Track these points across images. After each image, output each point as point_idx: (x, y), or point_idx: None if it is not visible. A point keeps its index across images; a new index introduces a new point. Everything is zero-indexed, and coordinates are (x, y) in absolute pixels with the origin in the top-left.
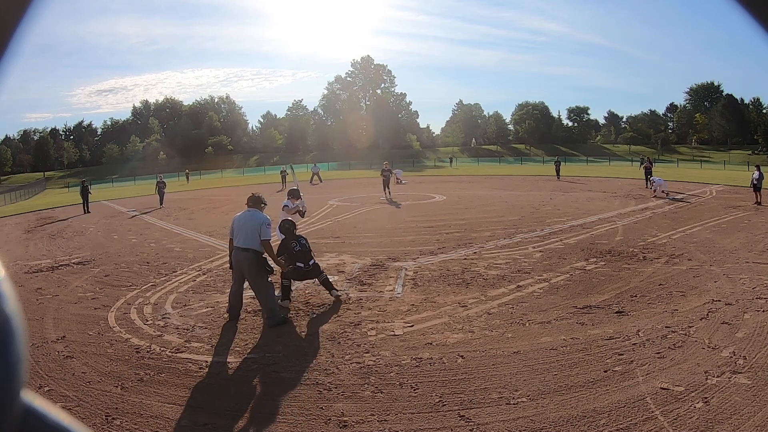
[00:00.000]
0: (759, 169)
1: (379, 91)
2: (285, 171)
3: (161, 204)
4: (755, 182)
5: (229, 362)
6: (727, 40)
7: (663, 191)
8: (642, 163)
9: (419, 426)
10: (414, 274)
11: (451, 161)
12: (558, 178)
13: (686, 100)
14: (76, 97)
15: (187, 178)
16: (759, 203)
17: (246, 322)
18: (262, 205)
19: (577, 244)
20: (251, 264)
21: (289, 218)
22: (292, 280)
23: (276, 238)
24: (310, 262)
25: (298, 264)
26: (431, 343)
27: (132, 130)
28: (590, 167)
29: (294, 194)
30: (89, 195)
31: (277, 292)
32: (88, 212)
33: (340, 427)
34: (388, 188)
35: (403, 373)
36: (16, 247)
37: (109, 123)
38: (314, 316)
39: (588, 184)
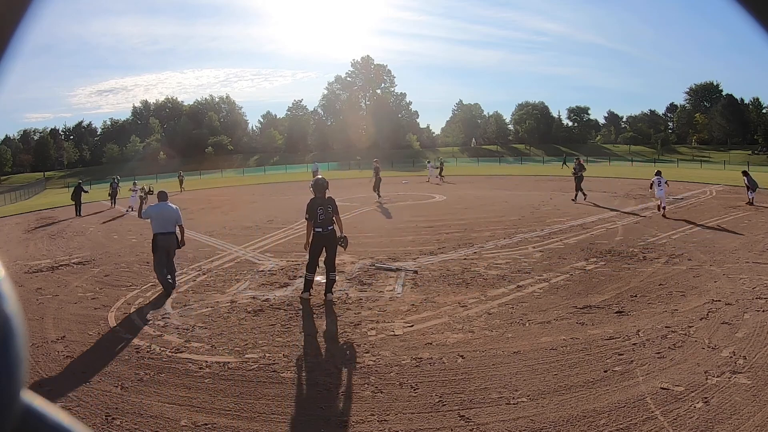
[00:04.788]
0: (745, 175)
1: (379, 91)
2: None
3: (113, 204)
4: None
5: (229, 362)
6: (727, 40)
7: (435, 177)
8: (574, 170)
9: (419, 426)
10: (414, 274)
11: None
12: (436, 177)
13: (686, 100)
14: (77, 97)
15: (181, 183)
16: (751, 203)
17: (246, 322)
18: (168, 196)
19: (577, 244)
20: (174, 243)
21: (323, 178)
22: (314, 274)
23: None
24: (329, 227)
25: (315, 229)
26: (431, 343)
27: (132, 130)
28: (590, 167)
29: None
30: (82, 197)
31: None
32: (80, 215)
33: (340, 427)
34: (378, 189)
35: (403, 373)
36: (16, 247)
37: (109, 123)
38: (314, 316)
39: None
